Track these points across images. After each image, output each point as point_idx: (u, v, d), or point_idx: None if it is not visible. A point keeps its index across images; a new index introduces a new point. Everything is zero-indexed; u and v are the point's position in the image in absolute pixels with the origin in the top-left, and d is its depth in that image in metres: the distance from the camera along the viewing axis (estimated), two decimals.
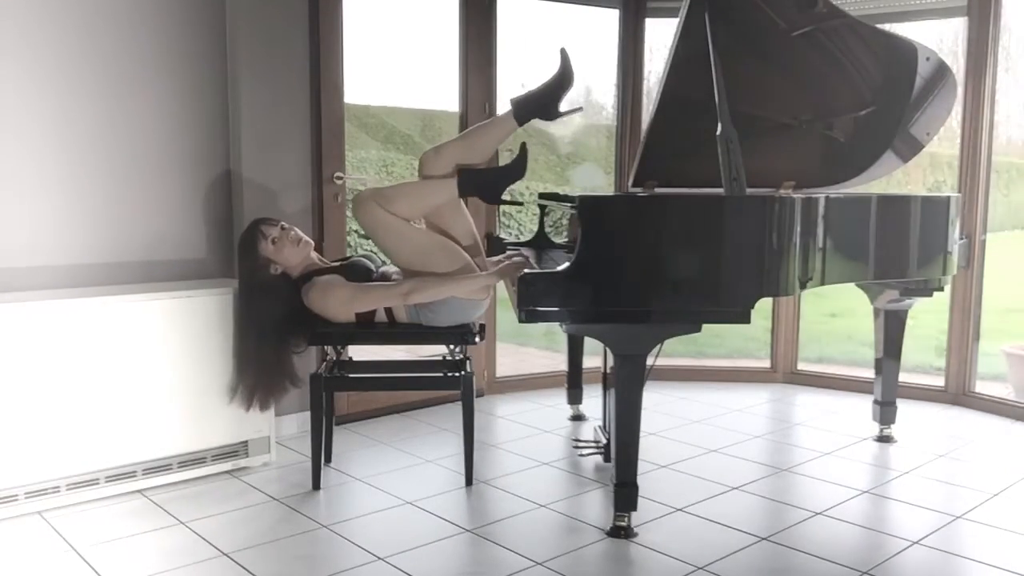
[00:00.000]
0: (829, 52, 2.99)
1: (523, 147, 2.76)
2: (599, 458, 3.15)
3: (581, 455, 3.21)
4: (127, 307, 2.75)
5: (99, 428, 2.71)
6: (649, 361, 2.44)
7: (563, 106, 2.78)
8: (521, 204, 2.97)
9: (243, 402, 2.87)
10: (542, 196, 3.45)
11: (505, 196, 2.81)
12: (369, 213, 2.69)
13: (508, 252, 3.15)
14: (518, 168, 2.75)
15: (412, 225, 2.75)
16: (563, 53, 2.76)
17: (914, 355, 5.13)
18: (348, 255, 3.14)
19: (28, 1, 2.80)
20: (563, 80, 2.76)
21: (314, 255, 2.92)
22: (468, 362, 2.99)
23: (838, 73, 3.08)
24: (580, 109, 2.93)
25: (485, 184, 2.77)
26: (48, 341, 2.60)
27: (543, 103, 2.77)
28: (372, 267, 2.88)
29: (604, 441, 3.05)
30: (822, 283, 2.72)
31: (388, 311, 2.78)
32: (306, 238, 2.86)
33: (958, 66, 3.77)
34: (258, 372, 2.81)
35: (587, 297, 2.33)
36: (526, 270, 2.42)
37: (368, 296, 2.75)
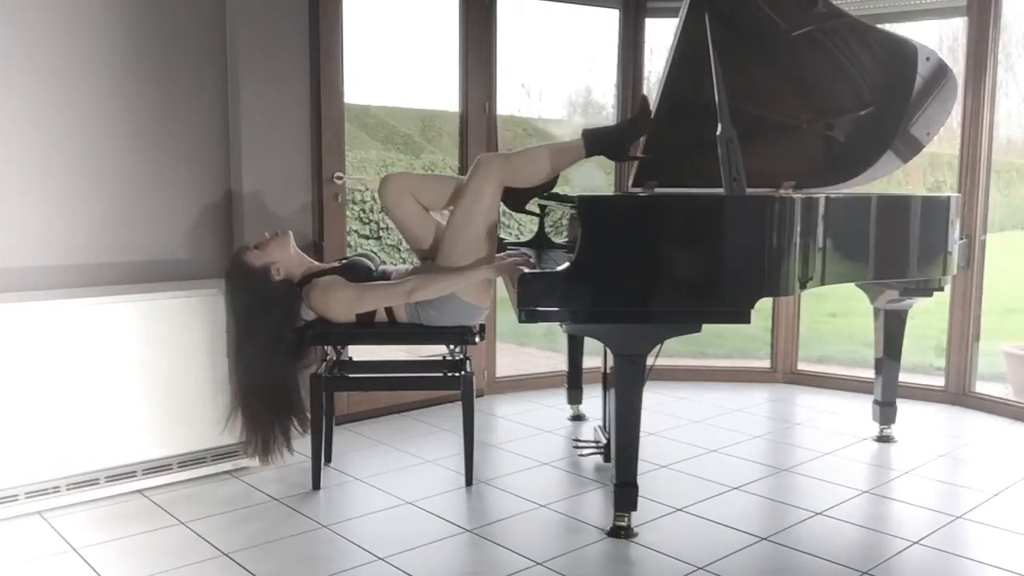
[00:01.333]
0: (829, 52, 2.99)
1: (644, 100, 2.76)
2: (599, 458, 3.15)
3: (581, 455, 3.21)
4: (127, 307, 2.75)
5: (99, 428, 2.71)
6: (649, 361, 2.44)
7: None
8: (649, 158, 2.97)
9: (259, 453, 2.76)
10: (542, 196, 3.44)
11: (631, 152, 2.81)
12: (492, 178, 2.67)
13: (508, 252, 3.15)
14: (643, 122, 2.75)
15: (497, 211, 2.74)
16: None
17: (914, 355, 5.13)
18: (346, 255, 3.14)
19: (28, 2, 2.80)
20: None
21: (311, 260, 2.92)
22: (468, 362, 2.99)
23: (838, 73, 3.08)
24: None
25: (612, 141, 2.75)
26: (48, 341, 2.60)
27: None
28: (372, 266, 2.88)
29: (604, 441, 3.05)
30: (822, 283, 2.72)
31: (388, 311, 2.78)
32: (279, 232, 2.85)
33: (958, 66, 3.77)
34: (271, 408, 2.72)
35: (587, 297, 2.33)
36: (526, 270, 2.42)
37: (371, 295, 2.74)
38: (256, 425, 2.74)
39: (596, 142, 2.74)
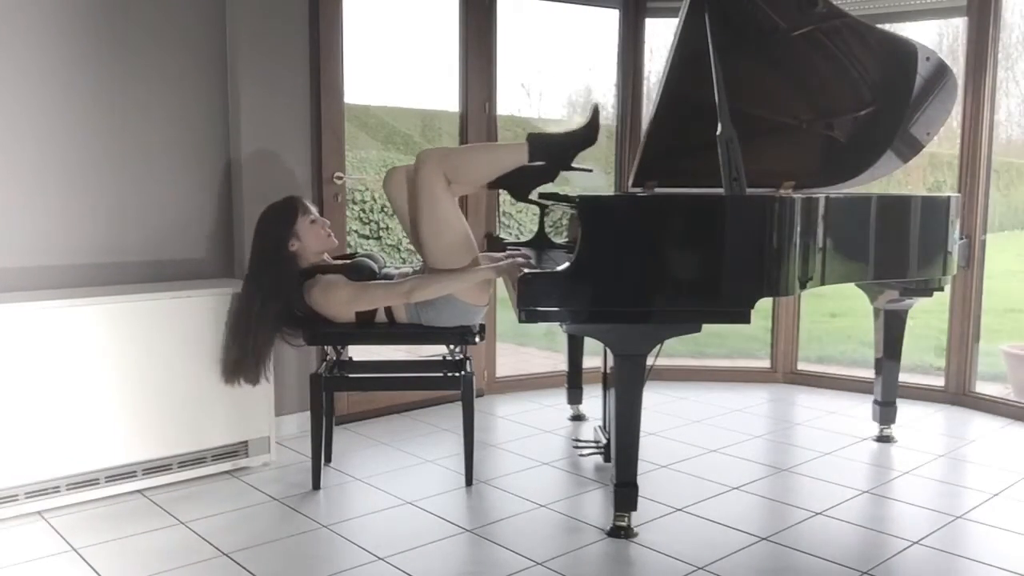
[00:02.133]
0: (829, 52, 2.99)
1: (595, 110, 2.73)
2: (599, 458, 3.15)
3: (581, 455, 3.21)
4: (127, 307, 2.74)
5: (99, 428, 2.71)
6: (649, 361, 2.44)
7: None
8: (591, 171, 2.97)
9: (225, 373, 2.83)
10: (542, 196, 3.45)
11: (575, 163, 2.77)
12: (434, 176, 2.65)
13: (508, 252, 3.15)
14: (590, 133, 2.72)
15: (462, 217, 2.75)
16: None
17: (914, 355, 5.13)
18: (353, 252, 3.14)
19: (27, 0, 2.80)
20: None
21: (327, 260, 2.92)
22: (468, 362, 2.99)
23: (838, 73, 3.08)
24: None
25: (556, 149, 2.72)
26: (48, 341, 2.60)
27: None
28: (375, 268, 2.88)
29: (604, 441, 3.05)
30: (822, 283, 2.72)
31: (388, 311, 2.78)
32: (335, 237, 2.89)
33: (958, 66, 3.77)
34: (247, 343, 2.76)
35: (587, 297, 2.33)
36: (526, 270, 2.42)
37: (370, 295, 2.75)
38: (229, 342, 2.81)
39: (539, 148, 2.70)
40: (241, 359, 2.78)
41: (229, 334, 2.83)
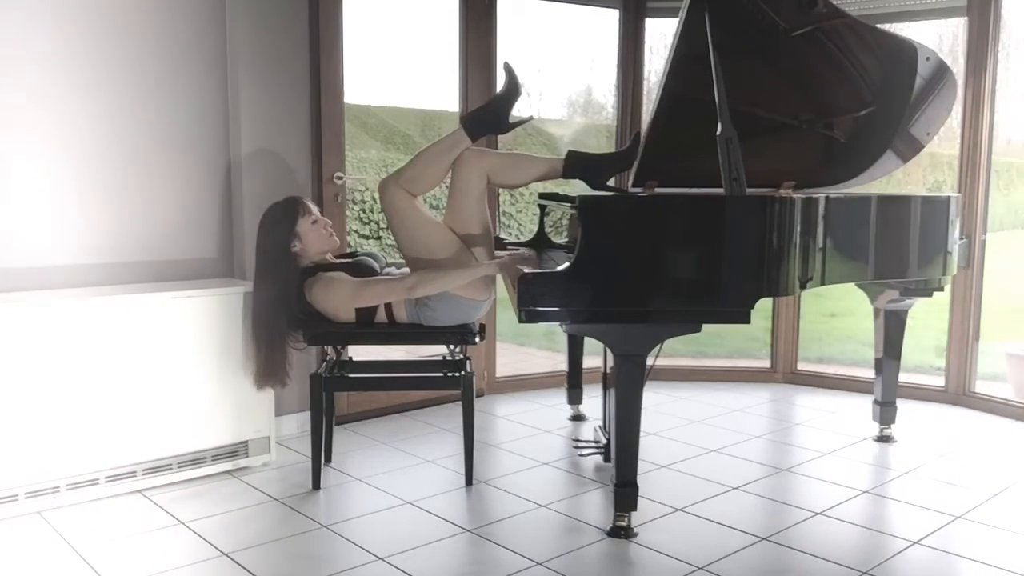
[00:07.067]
0: (829, 52, 2.99)
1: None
2: (599, 458, 3.15)
3: (581, 455, 3.21)
4: (128, 307, 2.75)
5: (99, 428, 2.71)
6: (649, 361, 2.44)
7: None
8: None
9: (256, 380, 2.84)
10: (542, 196, 3.45)
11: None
12: (392, 197, 2.77)
13: (509, 251, 3.15)
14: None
15: (432, 219, 2.81)
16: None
17: (914, 355, 5.13)
18: (353, 251, 3.14)
19: (30, 1, 2.80)
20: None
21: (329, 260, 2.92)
22: (468, 362, 2.98)
23: (838, 73, 3.08)
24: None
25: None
26: (48, 341, 2.60)
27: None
28: (377, 266, 2.88)
29: (604, 441, 3.05)
30: (822, 283, 2.73)
31: (388, 311, 2.78)
32: (336, 236, 2.90)
33: (958, 66, 3.77)
34: (267, 347, 2.78)
35: (587, 297, 2.33)
36: (526, 269, 2.42)
37: (372, 291, 2.75)
38: (253, 349, 2.83)
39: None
40: (263, 366, 2.79)
41: (251, 341, 2.84)
